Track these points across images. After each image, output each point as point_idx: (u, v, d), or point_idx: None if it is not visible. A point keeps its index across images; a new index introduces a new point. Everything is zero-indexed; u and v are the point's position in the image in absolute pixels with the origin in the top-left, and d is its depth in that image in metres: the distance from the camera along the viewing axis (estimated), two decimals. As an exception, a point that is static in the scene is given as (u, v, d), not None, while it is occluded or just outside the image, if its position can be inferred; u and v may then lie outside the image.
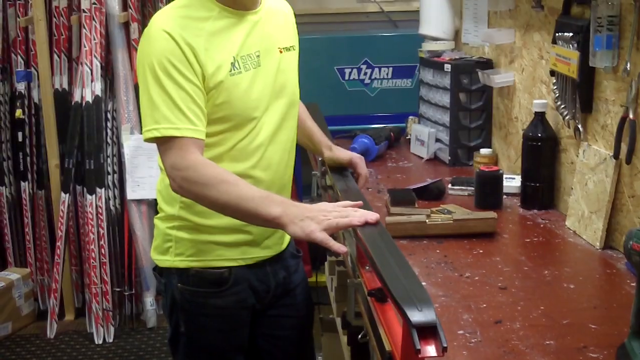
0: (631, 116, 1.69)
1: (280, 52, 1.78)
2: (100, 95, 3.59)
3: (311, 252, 3.70)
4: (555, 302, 1.51)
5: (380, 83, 3.81)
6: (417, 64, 3.11)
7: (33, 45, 3.71)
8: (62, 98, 3.72)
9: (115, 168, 3.67)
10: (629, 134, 1.69)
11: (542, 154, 2.12)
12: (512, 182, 2.23)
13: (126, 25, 3.61)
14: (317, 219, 1.51)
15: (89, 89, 3.58)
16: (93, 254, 3.59)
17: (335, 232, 1.57)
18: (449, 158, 2.68)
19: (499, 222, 1.95)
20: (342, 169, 2.01)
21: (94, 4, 3.52)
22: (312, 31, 3.89)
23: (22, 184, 3.85)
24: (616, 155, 1.76)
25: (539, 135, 2.12)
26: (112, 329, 3.62)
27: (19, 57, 3.76)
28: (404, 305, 1.09)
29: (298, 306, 1.95)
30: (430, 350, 1.04)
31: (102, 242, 3.60)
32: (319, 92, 3.46)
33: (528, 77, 2.33)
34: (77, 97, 3.61)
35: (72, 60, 3.72)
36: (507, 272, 1.68)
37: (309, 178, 2.51)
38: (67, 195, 3.64)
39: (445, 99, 2.70)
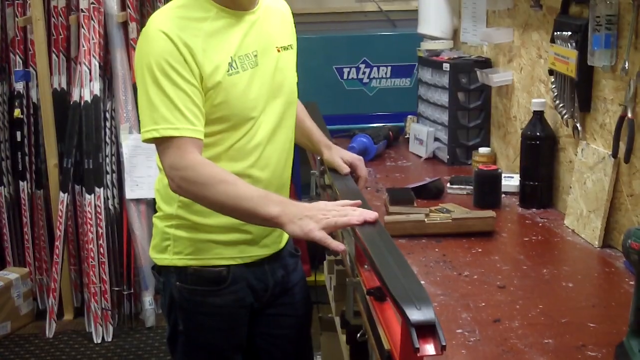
0: (629, 115, 1.69)
1: (278, 51, 1.78)
2: (98, 94, 3.59)
3: (310, 251, 3.70)
4: (554, 301, 1.51)
5: (379, 82, 3.81)
6: (416, 63, 3.11)
7: (31, 45, 3.71)
8: (61, 98, 3.72)
9: (114, 167, 3.67)
10: (627, 133, 1.69)
11: (540, 153, 2.13)
12: (510, 181, 2.23)
13: (125, 25, 3.61)
14: (316, 217, 1.51)
15: (87, 89, 3.57)
16: (92, 253, 3.59)
17: (334, 231, 1.58)
18: (448, 157, 2.68)
19: (497, 221, 1.95)
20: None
21: (93, 3, 3.52)
22: (311, 30, 3.89)
23: (21, 183, 3.85)
24: (615, 154, 1.76)
25: (538, 134, 2.12)
26: (110, 329, 3.63)
27: (17, 56, 3.76)
28: (403, 304, 1.09)
29: (296, 305, 1.96)
30: (429, 349, 1.05)
31: (100, 242, 3.60)
32: (317, 92, 3.46)
33: (526, 76, 2.34)
34: (75, 97, 3.61)
35: (71, 60, 3.72)
36: (506, 271, 1.68)
37: (307, 177, 2.51)
38: (66, 194, 3.64)
39: (443, 98, 2.70)
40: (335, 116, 3.41)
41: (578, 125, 1.96)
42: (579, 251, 1.81)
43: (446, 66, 2.66)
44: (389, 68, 3.79)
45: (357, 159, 2.02)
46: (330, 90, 3.74)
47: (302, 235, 1.52)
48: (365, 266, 1.53)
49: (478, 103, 2.67)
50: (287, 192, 1.85)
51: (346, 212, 1.54)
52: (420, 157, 2.80)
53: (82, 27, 3.55)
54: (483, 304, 1.50)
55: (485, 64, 2.64)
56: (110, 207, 3.65)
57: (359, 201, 1.62)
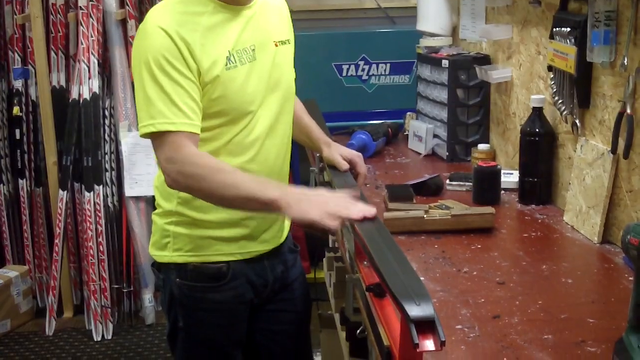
0: (628, 111, 1.69)
1: (276, 45, 1.78)
2: (97, 92, 3.58)
3: (309, 248, 3.70)
4: (553, 297, 1.52)
5: (378, 79, 3.81)
6: (415, 60, 3.11)
7: (30, 42, 3.70)
8: (60, 95, 3.71)
9: (113, 165, 3.66)
10: (626, 129, 1.69)
11: (539, 149, 2.13)
12: (510, 178, 2.23)
13: (123, 23, 3.61)
14: (316, 202, 1.51)
15: (86, 86, 3.57)
16: (91, 251, 3.59)
17: None
18: (447, 154, 2.68)
19: (496, 218, 1.95)
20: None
21: (91, 1, 3.51)
22: (310, 27, 3.89)
23: (20, 181, 3.85)
24: (614, 150, 1.76)
25: (537, 130, 2.12)
26: (110, 326, 3.62)
27: (16, 54, 3.75)
28: (402, 300, 1.09)
29: (296, 301, 1.96)
30: (429, 344, 1.05)
31: (100, 239, 3.60)
32: (316, 89, 3.46)
33: (525, 73, 2.34)
34: (74, 95, 3.61)
35: (70, 57, 3.71)
36: (505, 267, 1.68)
37: (307, 174, 2.51)
38: (65, 192, 3.63)
39: (442, 94, 2.70)
40: (334, 113, 3.41)
41: (577, 121, 1.96)
42: (578, 247, 1.82)
43: (445, 63, 2.66)
44: (388, 65, 3.79)
45: (357, 156, 2.02)
46: (329, 88, 3.74)
47: (301, 218, 1.51)
48: (365, 263, 1.53)
49: (477, 100, 2.67)
50: (286, 187, 1.85)
51: (347, 205, 1.53)
52: (420, 153, 2.80)
53: (81, 24, 3.55)
54: (482, 300, 1.50)
55: (484, 60, 2.64)
56: (110, 204, 3.65)
57: (357, 193, 1.62)
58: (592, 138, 1.91)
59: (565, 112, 2.00)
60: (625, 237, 1.14)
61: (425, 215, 1.92)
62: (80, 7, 3.54)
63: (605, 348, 1.27)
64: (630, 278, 1.56)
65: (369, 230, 1.46)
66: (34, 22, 3.59)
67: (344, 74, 3.79)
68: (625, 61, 1.69)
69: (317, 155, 2.16)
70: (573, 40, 1.91)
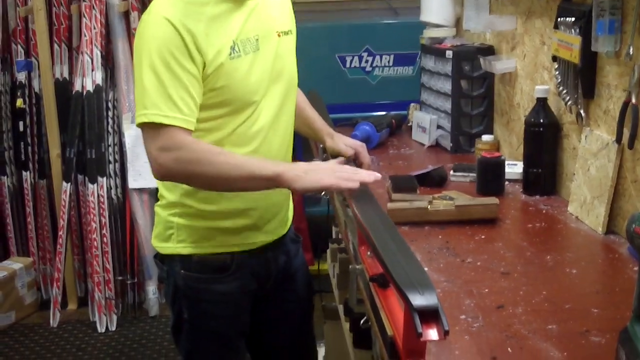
0: (634, 101, 1.68)
1: (279, 36, 1.77)
2: (101, 84, 3.58)
3: (313, 240, 3.71)
4: (557, 287, 1.51)
5: (382, 71, 3.80)
6: (419, 51, 3.10)
7: (33, 34, 3.70)
8: (63, 87, 3.72)
9: (117, 157, 3.67)
10: (631, 119, 1.68)
11: (544, 140, 2.12)
12: (514, 169, 2.23)
13: (126, 15, 3.61)
14: (324, 170, 1.58)
15: (89, 78, 3.57)
16: (95, 243, 3.60)
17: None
18: (451, 145, 2.67)
19: (501, 208, 1.94)
20: (344, 156, 2.01)
21: (94, -7, 3.51)
22: (314, 19, 3.88)
23: (24, 173, 3.86)
24: (618, 140, 1.75)
25: (541, 121, 2.11)
26: (114, 318, 3.64)
27: (19, 46, 3.76)
28: (406, 289, 1.09)
29: (299, 291, 1.96)
30: (432, 334, 1.04)
31: (104, 231, 3.61)
32: (320, 81, 3.45)
33: (530, 64, 2.33)
34: (77, 87, 3.61)
35: (73, 49, 3.71)
36: (509, 257, 1.68)
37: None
38: (69, 184, 3.64)
39: (446, 86, 2.69)
40: (338, 105, 3.40)
41: (582, 111, 1.95)
42: (582, 238, 1.81)
43: (449, 54, 2.65)
44: (392, 56, 3.78)
45: (360, 146, 2.01)
46: (333, 79, 3.74)
47: (313, 186, 1.55)
48: (368, 253, 1.53)
49: (481, 91, 2.66)
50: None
51: (354, 170, 1.61)
52: (423, 145, 2.79)
53: (84, 16, 3.55)
54: (486, 291, 1.49)
55: (489, 51, 2.63)
56: (113, 196, 3.66)
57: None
58: (596, 128, 1.90)
59: (569, 103, 1.99)
60: (630, 227, 1.13)
61: (429, 206, 1.91)
62: (83, -1, 3.54)
63: (609, 338, 1.26)
64: (635, 268, 1.55)
65: (372, 221, 1.45)
66: (37, 15, 3.59)
67: (348, 65, 3.78)
68: (631, 50, 1.68)
69: (321, 146, 2.16)
70: (578, 30, 1.90)
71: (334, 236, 2.52)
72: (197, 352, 1.86)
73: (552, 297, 1.46)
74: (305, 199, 3.68)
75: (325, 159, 2.15)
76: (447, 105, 2.69)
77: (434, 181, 2.23)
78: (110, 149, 3.64)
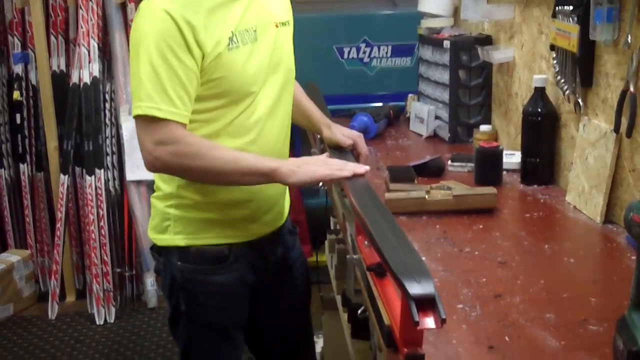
0: (632, 89, 1.67)
1: (277, 26, 1.76)
2: (98, 76, 3.57)
3: (311, 231, 3.70)
4: (555, 277, 1.51)
5: (380, 62, 3.79)
6: (416, 42, 3.08)
7: (30, 26, 3.68)
8: (60, 80, 3.70)
9: (114, 149, 3.66)
10: (629, 108, 1.68)
11: (542, 129, 2.11)
12: (512, 158, 2.22)
13: (123, 6, 3.59)
14: (317, 163, 1.63)
15: (86, 71, 3.56)
16: (93, 235, 3.60)
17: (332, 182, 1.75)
18: (449, 135, 2.67)
19: (498, 198, 1.94)
20: (341, 147, 2.00)
21: (91, -16, 3.50)
22: (311, 10, 3.87)
23: (21, 166, 3.85)
24: (616, 129, 1.75)
25: (539, 110, 2.10)
26: (113, 310, 3.63)
27: (15, 38, 3.74)
28: (403, 278, 1.08)
29: (296, 282, 1.96)
30: (429, 322, 1.04)
31: (102, 224, 3.60)
32: (318, 72, 3.44)
33: (528, 53, 2.32)
34: (74, 79, 3.60)
35: (70, 41, 3.70)
36: (507, 247, 1.68)
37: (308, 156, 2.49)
38: (66, 176, 3.63)
39: (444, 76, 2.68)
40: (336, 96, 3.39)
41: (580, 100, 1.95)
42: (580, 227, 1.81)
43: (447, 44, 2.64)
44: (390, 47, 3.77)
45: (358, 136, 2.00)
46: (330, 71, 3.73)
47: (308, 179, 1.60)
48: (366, 243, 1.52)
49: (479, 81, 2.65)
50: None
51: (345, 163, 1.66)
52: (421, 135, 2.79)
53: (81, 8, 3.53)
54: (484, 280, 1.49)
55: (486, 41, 2.62)
56: (111, 188, 3.65)
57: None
58: (594, 117, 1.90)
59: (567, 92, 1.99)
60: (628, 215, 1.13)
61: (426, 196, 1.90)
62: (80, -10, 3.52)
63: (607, 326, 1.26)
64: (633, 257, 1.54)
65: (369, 210, 1.45)
66: (33, 6, 3.57)
67: (346, 56, 3.77)
68: (629, 39, 1.67)
69: (318, 137, 2.15)
70: (576, 18, 1.89)
71: (332, 227, 2.52)
72: (195, 344, 1.85)
73: (549, 286, 1.46)
74: (304, 190, 3.67)
75: (322, 150, 2.14)
76: (445, 95, 2.68)
77: (432, 171, 2.23)
78: (108, 141, 3.63)
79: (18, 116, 3.79)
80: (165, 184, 1.78)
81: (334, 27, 3.78)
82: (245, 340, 1.93)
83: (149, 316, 3.64)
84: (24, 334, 3.53)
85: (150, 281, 3.68)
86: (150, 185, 3.58)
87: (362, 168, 1.65)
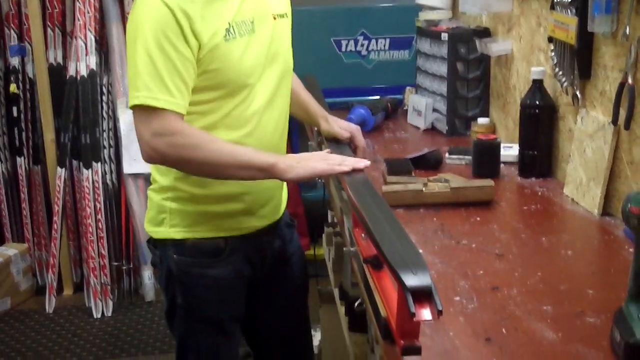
0: (630, 81, 1.67)
1: (274, 18, 1.75)
2: (95, 69, 3.56)
3: (309, 224, 3.70)
4: (552, 269, 1.50)
5: (378, 55, 3.78)
6: (414, 35, 3.08)
7: (26, 19, 3.67)
8: (57, 72, 3.69)
9: (112, 142, 3.65)
10: (627, 100, 1.67)
11: (540, 122, 2.11)
12: (509, 151, 2.22)
13: (120, -1, 3.58)
14: (316, 158, 1.64)
15: (83, 63, 3.55)
16: (90, 228, 3.59)
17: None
18: (447, 128, 2.66)
19: (496, 191, 1.93)
20: (339, 139, 1.99)
21: (87, -24, 3.48)
22: (309, 3, 3.85)
23: (18, 159, 3.84)
24: (615, 122, 1.74)
25: (537, 103, 2.10)
26: (110, 303, 3.63)
27: (12, 31, 3.72)
28: (399, 270, 1.08)
29: (294, 276, 1.95)
30: (425, 314, 1.03)
31: (99, 217, 3.60)
32: (315, 65, 3.44)
33: (526, 45, 2.31)
34: (72, 71, 3.59)
35: (66, 34, 3.68)
36: (505, 239, 1.67)
37: (305, 149, 2.49)
38: (64, 170, 3.62)
39: (442, 68, 2.68)
40: (333, 89, 3.39)
41: (578, 93, 1.94)
42: (578, 220, 1.80)
43: (445, 36, 2.63)
44: (388, 40, 3.76)
45: (355, 129, 2.00)
46: (328, 63, 3.72)
47: (307, 174, 1.60)
48: (363, 235, 1.52)
49: (477, 73, 2.64)
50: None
51: (343, 158, 1.66)
52: (419, 128, 2.78)
53: (77, 0, 3.51)
54: (481, 272, 1.48)
55: (484, 33, 2.61)
56: (108, 182, 3.64)
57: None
58: (592, 109, 1.89)
59: (565, 84, 1.98)
60: (626, 207, 1.12)
61: (424, 189, 1.90)
62: (76, -18, 3.50)
63: (604, 318, 1.26)
64: (631, 250, 1.54)
65: (367, 202, 1.44)
66: (29, -1, 3.56)
67: (343, 49, 3.76)
68: (627, 31, 1.66)
69: (315, 129, 2.15)
70: (574, 10, 1.88)
71: (329, 220, 2.51)
72: (191, 337, 1.85)
73: (547, 278, 1.45)
74: (301, 183, 3.67)
75: (320, 143, 2.14)
76: (443, 88, 2.68)
77: (430, 164, 2.22)
78: (105, 134, 3.62)
79: (15, 109, 3.78)
80: (161, 176, 1.77)
81: (332, 19, 3.77)
82: (242, 334, 1.93)
83: (146, 310, 3.64)
84: (22, 327, 3.52)
85: (147, 274, 3.68)
86: (147, 179, 3.55)
87: (361, 163, 1.64)
